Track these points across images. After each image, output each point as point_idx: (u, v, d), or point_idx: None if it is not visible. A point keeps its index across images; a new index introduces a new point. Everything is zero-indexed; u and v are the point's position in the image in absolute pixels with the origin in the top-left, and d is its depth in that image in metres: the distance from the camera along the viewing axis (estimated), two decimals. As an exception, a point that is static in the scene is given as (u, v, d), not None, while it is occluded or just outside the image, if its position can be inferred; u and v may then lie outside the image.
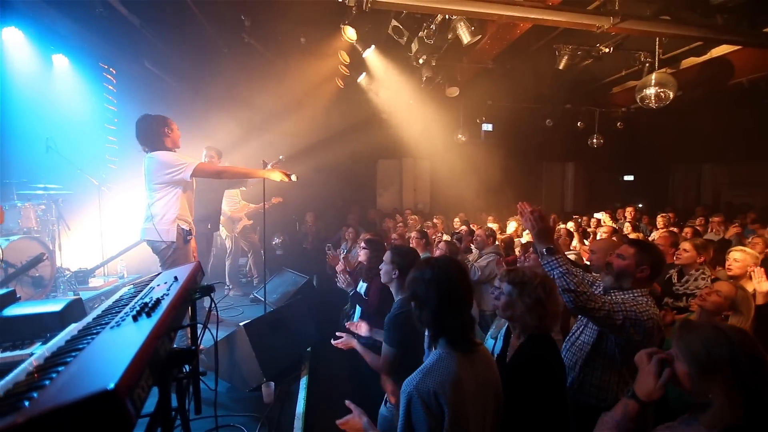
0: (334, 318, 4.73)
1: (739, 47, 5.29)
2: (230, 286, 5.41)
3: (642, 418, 1.19)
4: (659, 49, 5.29)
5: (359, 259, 3.43)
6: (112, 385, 0.61)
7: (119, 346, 0.85)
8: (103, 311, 1.30)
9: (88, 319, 1.24)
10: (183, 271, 1.51)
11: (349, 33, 4.91)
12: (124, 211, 5.06)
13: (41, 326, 1.72)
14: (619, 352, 1.82)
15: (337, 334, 2.37)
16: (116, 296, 1.52)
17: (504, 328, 1.93)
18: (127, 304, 1.25)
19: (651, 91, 4.85)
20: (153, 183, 2.85)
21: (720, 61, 5.98)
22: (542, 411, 1.49)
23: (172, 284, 1.34)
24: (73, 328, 1.16)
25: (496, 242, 4.36)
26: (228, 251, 6.01)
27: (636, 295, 1.86)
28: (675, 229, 5.10)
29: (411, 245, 4.00)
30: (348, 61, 5.84)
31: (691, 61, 6.20)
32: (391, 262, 2.17)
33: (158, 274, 1.71)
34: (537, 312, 1.57)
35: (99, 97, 5.27)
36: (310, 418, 2.53)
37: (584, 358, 1.90)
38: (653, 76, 4.90)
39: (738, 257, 2.92)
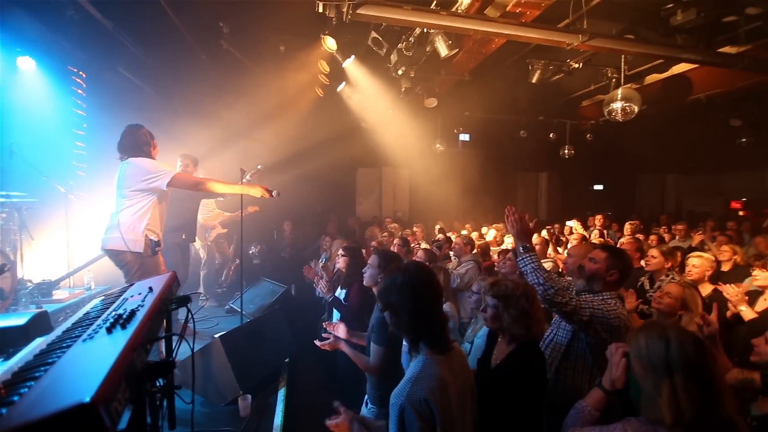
0: (313, 327, 4.68)
1: (697, 65, 5.66)
2: (206, 297, 5.26)
3: (607, 406, 1.28)
4: (624, 65, 5.60)
5: (337, 266, 3.44)
6: (88, 398, 0.60)
7: (94, 359, 0.83)
8: (73, 324, 1.25)
9: (57, 332, 1.19)
10: (158, 282, 1.47)
11: (329, 43, 4.96)
12: (92, 220, 4.86)
13: (3, 341, 1.63)
14: (590, 352, 1.91)
15: (323, 335, 2.37)
16: (86, 308, 1.47)
17: (482, 332, 1.99)
18: (98, 316, 1.21)
19: (617, 105, 5.12)
20: (126, 189, 2.76)
21: (680, 77, 6.37)
22: (527, 414, 1.56)
23: (147, 295, 1.31)
24: (41, 342, 1.11)
25: (474, 250, 4.44)
26: (202, 261, 5.86)
27: (605, 297, 1.97)
28: (641, 236, 5.35)
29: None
30: (328, 70, 5.88)
31: (654, 77, 6.58)
32: (377, 266, 2.21)
33: (131, 284, 1.66)
34: (523, 321, 1.64)
35: (67, 101, 5.07)
36: (289, 431, 2.48)
37: (558, 359, 1.98)
38: (619, 91, 5.17)
39: (696, 263, 3.10)
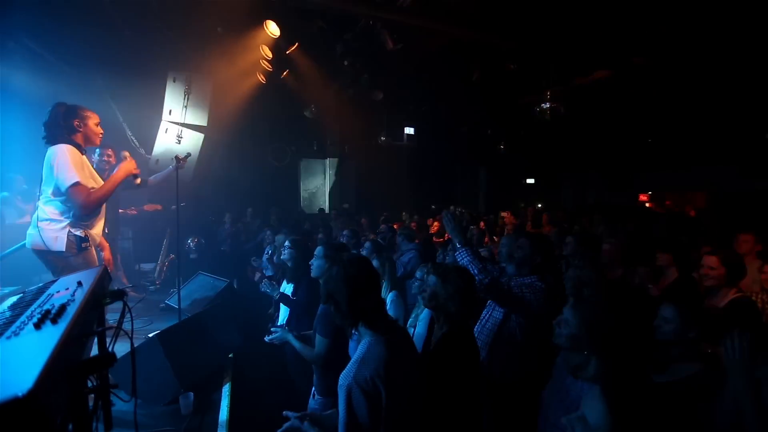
0: (258, 322, 4.55)
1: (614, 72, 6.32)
2: (144, 293, 4.87)
3: None
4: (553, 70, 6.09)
5: (283, 258, 3.38)
6: (25, 390, 0.56)
7: (25, 355, 0.76)
8: (-12, 323, 1.12)
9: (-34, 334, 1.06)
10: (88, 276, 1.36)
11: (272, 28, 4.79)
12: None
13: None
14: (519, 331, 2.11)
15: (272, 329, 2.36)
16: None
17: (423, 315, 2.12)
18: (20, 314, 1.10)
19: (547, 106, 5.57)
20: (47, 180, 2.45)
21: (602, 82, 7.06)
22: (463, 390, 1.69)
23: (76, 290, 1.21)
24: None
25: (416, 240, 4.60)
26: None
27: (533, 279, 2.19)
28: (566, 226, 5.91)
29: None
30: (271, 56, 5.68)
31: (581, 80, 7.23)
32: (324, 257, 2.23)
33: (54, 281, 1.52)
34: (458, 299, 1.76)
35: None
36: (235, 426, 2.43)
37: (492, 339, 2.17)
38: (548, 93, 5.63)
39: (605, 248, 3.53)
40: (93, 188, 2.58)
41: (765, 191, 9.08)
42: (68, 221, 2.47)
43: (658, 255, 3.20)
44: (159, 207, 5.12)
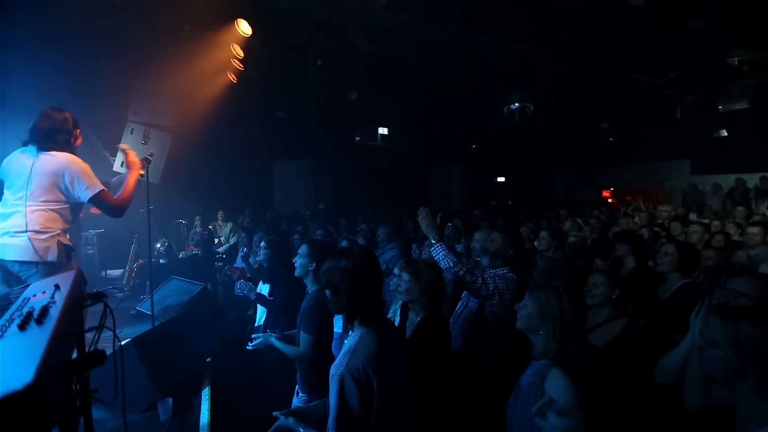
0: (234, 325, 4.49)
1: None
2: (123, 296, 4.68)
3: None
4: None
5: (258, 259, 3.36)
6: (29, 380, 0.57)
7: (16, 353, 0.75)
8: (-38, 329, 1.07)
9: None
10: (63, 279, 1.33)
11: (243, 27, 4.73)
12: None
13: None
14: (492, 319, 2.23)
15: (253, 336, 2.37)
16: (-29, 314, 1.26)
17: (397, 307, 2.24)
18: (-4, 318, 1.07)
19: (516, 106, 5.79)
20: (39, 188, 2.28)
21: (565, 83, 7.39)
22: (439, 367, 1.82)
23: (54, 292, 1.18)
24: None
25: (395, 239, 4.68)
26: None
27: (505, 271, 2.31)
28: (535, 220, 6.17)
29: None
30: (242, 55, 5.58)
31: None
32: (308, 255, 2.25)
33: (26, 285, 1.47)
34: (430, 293, 1.97)
35: None
36: (216, 428, 2.41)
37: (468, 327, 2.28)
38: (517, 93, 5.84)
39: (572, 241, 3.74)
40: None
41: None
42: (58, 231, 2.34)
43: (617, 246, 3.43)
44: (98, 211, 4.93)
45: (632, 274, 2.98)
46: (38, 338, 0.79)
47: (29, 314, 0.97)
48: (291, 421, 1.54)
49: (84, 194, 2.34)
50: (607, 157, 12.44)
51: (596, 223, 5.54)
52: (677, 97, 7.33)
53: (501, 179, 14.49)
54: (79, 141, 2.56)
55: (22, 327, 0.90)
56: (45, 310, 0.99)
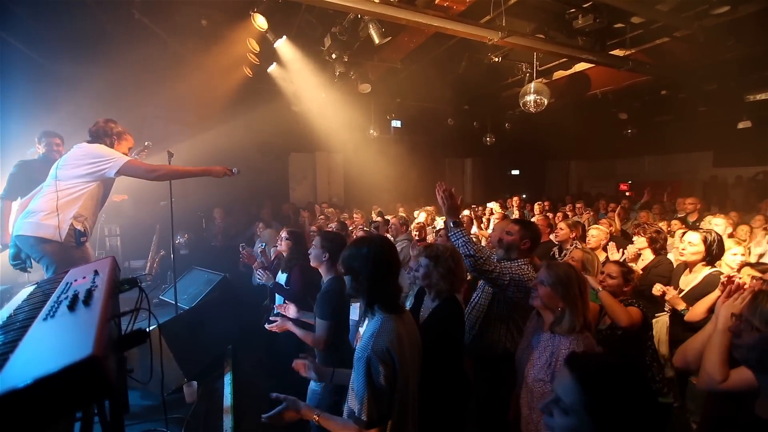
0: (254, 314, 4.61)
1: (593, 65, 6.50)
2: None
3: None
4: (536, 62, 6.22)
5: (279, 249, 3.45)
6: (89, 351, 0.64)
7: (69, 330, 0.83)
8: (15, 311, 1.17)
9: (-5, 320, 1.12)
10: (102, 265, 1.42)
11: (259, 21, 4.76)
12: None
13: None
14: (506, 310, 2.25)
15: (270, 318, 2.44)
16: (19, 298, 1.36)
17: (413, 293, 2.28)
18: (44, 301, 1.16)
19: (530, 98, 5.70)
20: (63, 171, 2.53)
21: (581, 75, 7.27)
22: (451, 355, 1.86)
23: (95, 277, 1.27)
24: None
25: (409, 229, 4.72)
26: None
27: (521, 263, 2.31)
28: (550, 215, 6.12)
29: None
30: (258, 49, 5.64)
31: (560, 73, 7.42)
32: (321, 246, 2.32)
33: (65, 272, 1.56)
34: (449, 278, 1.94)
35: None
36: (238, 412, 2.52)
37: (482, 318, 2.30)
38: (532, 85, 5.76)
39: (594, 233, 3.71)
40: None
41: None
42: (72, 214, 2.51)
43: (635, 238, 3.40)
44: (125, 197, 5.17)
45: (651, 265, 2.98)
46: (89, 317, 0.86)
47: (75, 297, 1.05)
48: (301, 404, 1.54)
49: (110, 170, 2.58)
50: (625, 149, 12.16)
51: (614, 216, 5.48)
52: (699, 87, 7.12)
53: (515, 172, 14.33)
54: (125, 144, 2.82)
55: (72, 308, 0.98)
56: (90, 293, 1.07)
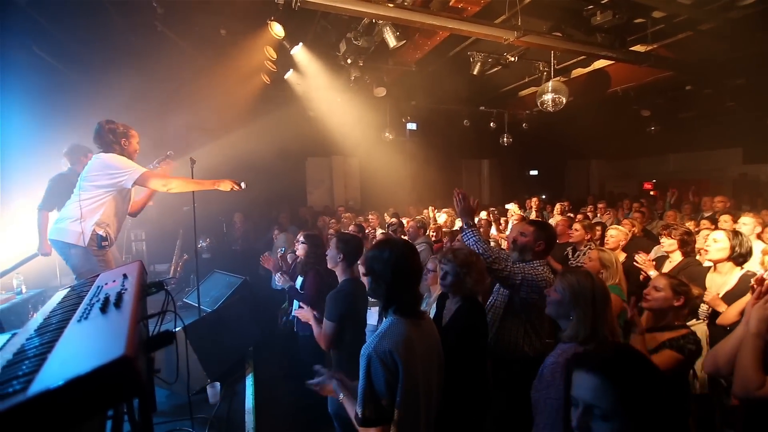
0: (271, 317, 4.69)
1: (613, 62, 6.35)
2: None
3: None
4: (554, 60, 6.13)
5: (297, 253, 3.50)
6: (121, 352, 0.67)
7: (102, 331, 0.87)
8: (50, 313, 1.23)
9: (33, 325, 1.18)
10: (130, 269, 1.48)
11: (276, 29, 4.87)
12: (19, 218, 4.40)
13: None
14: (522, 311, 2.22)
15: (300, 305, 2.48)
16: (54, 300, 1.43)
17: (434, 299, 2.28)
18: (77, 303, 1.21)
19: (548, 97, 5.62)
20: (86, 182, 2.69)
21: (601, 72, 7.10)
22: (474, 358, 1.84)
23: (124, 281, 1.32)
24: (17, 334, 1.10)
25: (427, 232, 4.71)
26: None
27: (535, 264, 2.29)
28: (571, 215, 5.98)
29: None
30: (275, 57, 5.77)
31: (579, 71, 7.27)
32: (336, 248, 2.34)
33: (95, 276, 1.63)
34: (482, 282, 2.01)
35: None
36: (261, 412, 2.56)
37: (498, 320, 2.30)
38: (549, 84, 5.67)
39: (613, 234, 3.63)
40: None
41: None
42: (95, 220, 2.64)
43: (662, 239, 3.30)
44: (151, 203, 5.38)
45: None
46: (120, 319, 0.90)
47: (107, 299, 1.10)
48: (335, 384, 1.57)
49: (127, 181, 2.71)
50: (648, 148, 11.79)
51: (638, 217, 5.28)
52: (726, 82, 6.86)
53: (533, 172, 14.10)
54: (132, 147, 2.92)
55: (104, 310, 1.02)
56: (120, 296, 1.11)
